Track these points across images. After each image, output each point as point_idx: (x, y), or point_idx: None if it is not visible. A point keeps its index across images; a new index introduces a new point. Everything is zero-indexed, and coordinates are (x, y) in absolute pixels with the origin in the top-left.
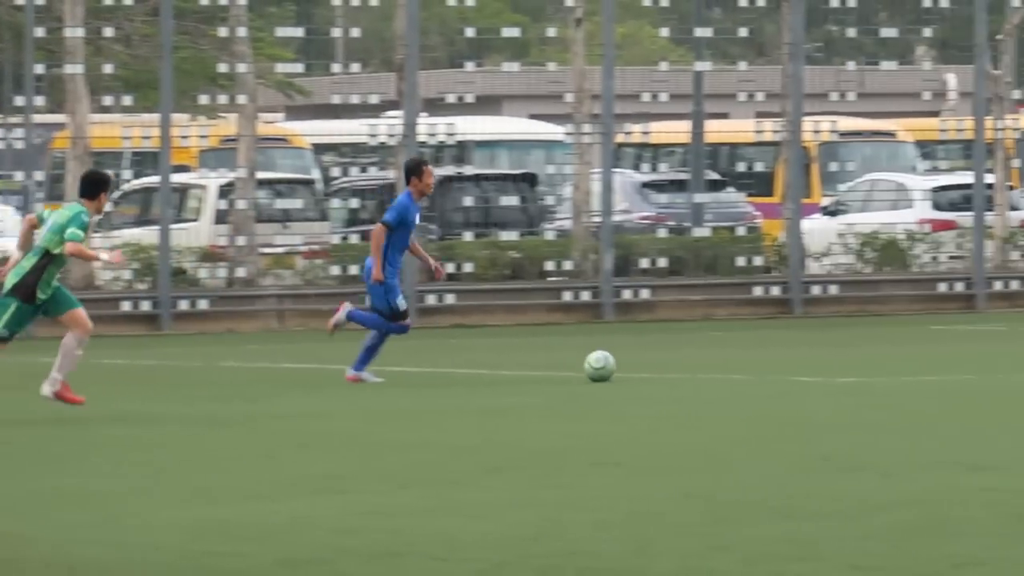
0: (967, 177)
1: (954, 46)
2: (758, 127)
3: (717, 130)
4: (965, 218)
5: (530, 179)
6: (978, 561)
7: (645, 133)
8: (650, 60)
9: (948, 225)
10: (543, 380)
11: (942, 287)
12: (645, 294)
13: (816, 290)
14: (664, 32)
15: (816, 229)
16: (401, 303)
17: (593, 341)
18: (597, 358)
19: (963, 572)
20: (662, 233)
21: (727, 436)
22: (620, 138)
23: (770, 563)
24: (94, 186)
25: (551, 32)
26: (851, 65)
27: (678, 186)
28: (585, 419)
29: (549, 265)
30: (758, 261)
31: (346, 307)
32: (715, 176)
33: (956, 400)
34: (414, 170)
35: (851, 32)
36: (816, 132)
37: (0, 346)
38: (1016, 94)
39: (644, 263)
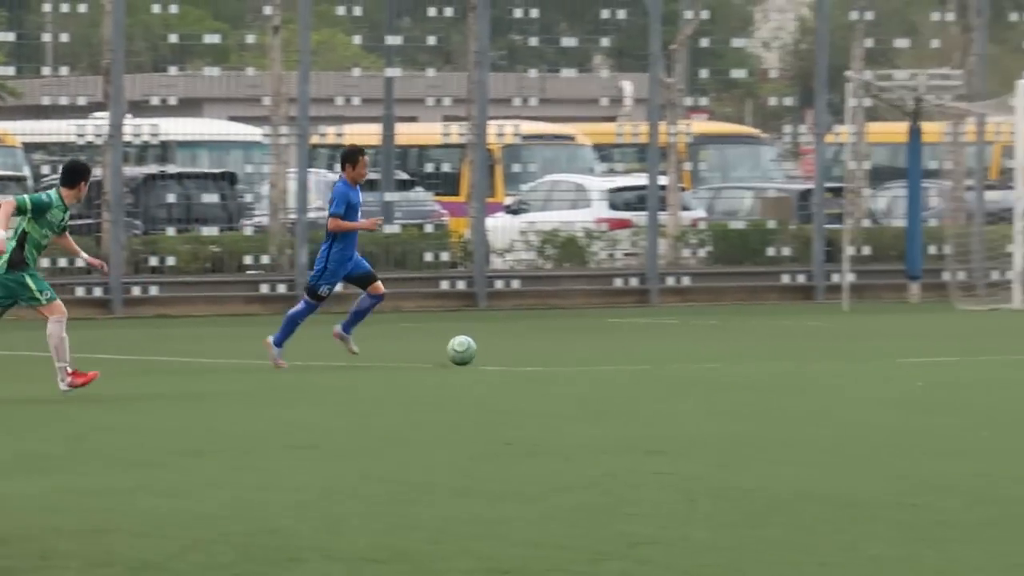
0: (642, 179)
1: (630, 55)
2: (445, 130)
3: (406, 133)
4: (640, 217)
5: (230, 178)
6: (652, 540)
7: (339, 135)
8: (343, 66)
9: (624, 224)
10: (242, 368)
11: (618, 282)
12: (337, 287)
13: (500, 284)
14: (357, 40)
15: (500, 227)
16: (324, 291)
17: None
18: (460, 342)
19: (638, 550)
20: None
21: (414, 422)
22: (315, 139)
23: (455, 541)
24: (74, 175)
25: (250, 39)
26: (533, 72)
27: (369, 185)
28: (281, 405)
29: (248, 259)
30: (445, 257)
31: (272, 347)
32: (404, 176)
33: (632, 389)
34: (350, 159)
35: (533, 41)
36: (500, 135)
37: (55, 306)
38: (688, 101)
39: None
